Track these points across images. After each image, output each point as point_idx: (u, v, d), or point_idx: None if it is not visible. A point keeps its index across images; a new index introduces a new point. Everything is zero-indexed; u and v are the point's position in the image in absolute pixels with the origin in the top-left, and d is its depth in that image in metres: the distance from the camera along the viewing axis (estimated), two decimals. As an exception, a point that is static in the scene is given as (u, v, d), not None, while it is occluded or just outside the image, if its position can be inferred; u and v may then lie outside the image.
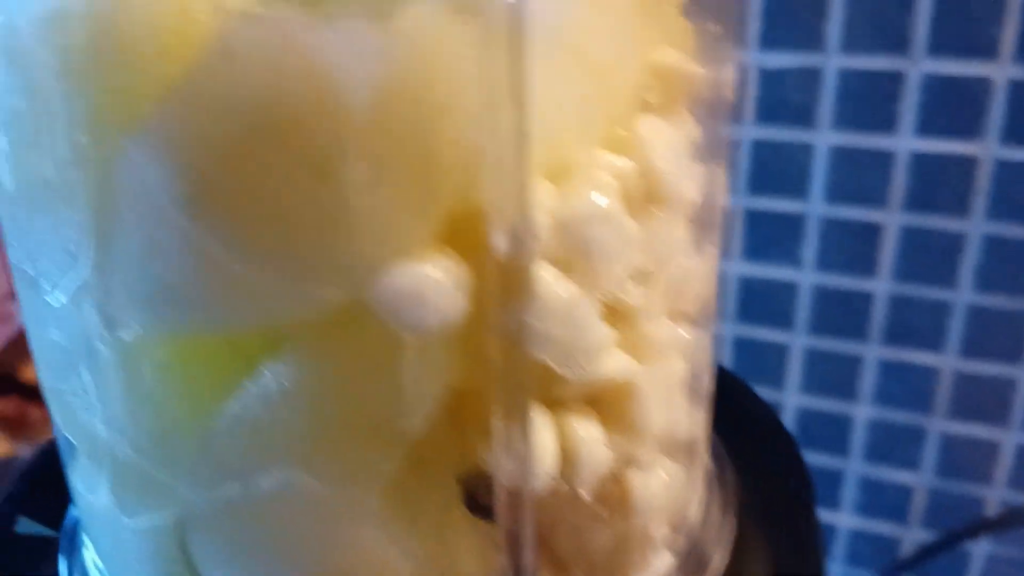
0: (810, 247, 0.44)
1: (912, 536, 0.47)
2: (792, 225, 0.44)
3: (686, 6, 0.18)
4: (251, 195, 0.13)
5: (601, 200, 0.15)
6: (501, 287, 0.14)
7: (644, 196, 0.16)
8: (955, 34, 0.39)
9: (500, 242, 0.14)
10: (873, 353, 0.45)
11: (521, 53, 0.13)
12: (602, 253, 0.15)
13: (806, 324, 0.45)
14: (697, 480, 0.19)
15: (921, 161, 0.41)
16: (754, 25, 0.41)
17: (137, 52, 0.13)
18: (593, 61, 0.16)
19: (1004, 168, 0.40)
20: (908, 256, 0.43)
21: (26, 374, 0.54)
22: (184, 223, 0.13)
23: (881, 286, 0.44)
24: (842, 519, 0.49)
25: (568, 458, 0.15)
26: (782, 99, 0.42)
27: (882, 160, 0.42)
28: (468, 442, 0.15)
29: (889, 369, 0.45)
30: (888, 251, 0.43)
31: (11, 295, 0.64)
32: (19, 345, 0.54)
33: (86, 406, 0.15)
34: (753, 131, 0.43)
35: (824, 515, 0.45)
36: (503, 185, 0.14)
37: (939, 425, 0.45)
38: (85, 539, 0.19)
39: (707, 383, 0.19)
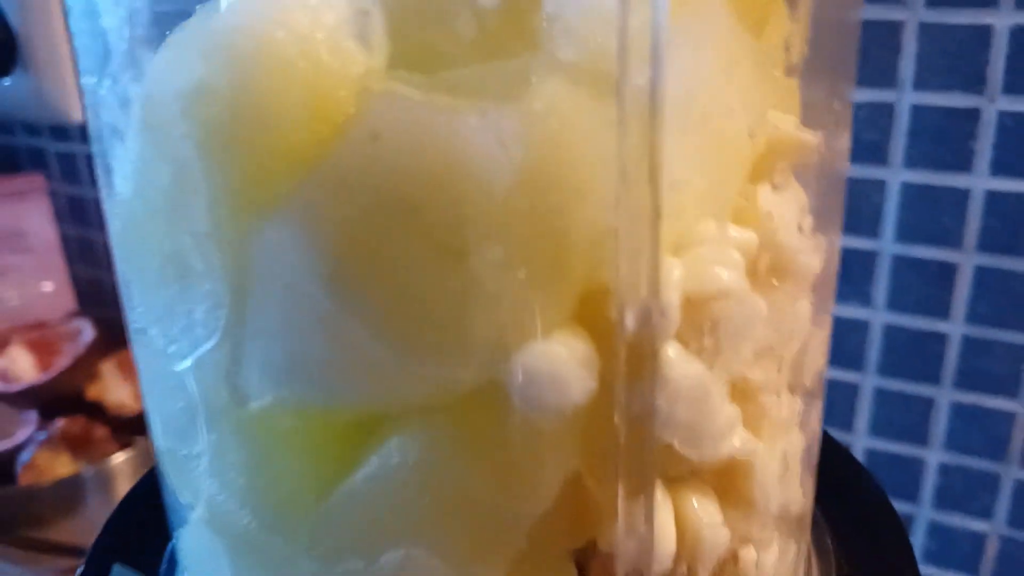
0: (882, 287, 0.43)
1: (982, 586, 0.46)
2: (864, 264, 0.43)
3: (792, 68, 0.17)
4: (389, 274, 0.13)
5: (730, 276, 0.14)
6: (628, 367, 0.14)
7: (768, 270, 0.15)
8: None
9: (630, 321, 0.14)
10: (945, 397, 0.44)
11: (657, 130, 0.13)
12: (731, 331, 0.14)
13: (877, 365, 0.45)
14: (803, 551, 0.19)
15: (996, 200, 0.40)
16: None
17: (278, 128, 0.13)
18: (719, 129, 0.15)
19: (1085, 210, 0.39)
20: (982, 298, 0.42)
21: (91, 393, 0.54)
22: (322, 300, 0.13)
23: (954, 328, 0.43)
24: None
25: (689, 540, 0.15)
26: (855, 135, 0.42)
27: (957, 199, 0.41)
28: (585, 521, 0.15)
29: (962, 413, 0.44)
30: (962, 292, 0.42)
31: (76, 313, 0.65)
32: (84, 364, 0.55)
33: (204, 472, 0.15)
34: (825, 168, 0.43)
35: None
36: (635, 263, 0.13)
37: (1014, 472, 0.43)
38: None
39: (816, 453, 0.18)
